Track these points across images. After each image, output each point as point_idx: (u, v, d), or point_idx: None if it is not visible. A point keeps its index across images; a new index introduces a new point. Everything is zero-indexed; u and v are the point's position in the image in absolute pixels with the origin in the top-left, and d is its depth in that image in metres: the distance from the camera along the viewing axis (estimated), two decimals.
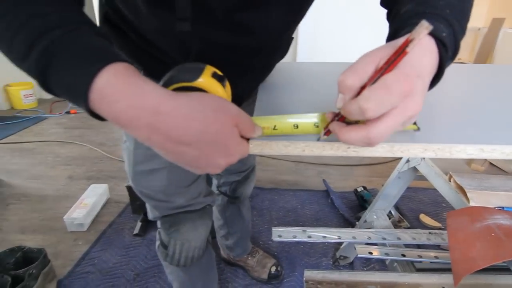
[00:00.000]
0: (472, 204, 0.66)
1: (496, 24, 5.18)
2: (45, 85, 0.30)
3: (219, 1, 0.40)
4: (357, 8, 2.17)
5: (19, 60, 0.30)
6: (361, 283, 0.77)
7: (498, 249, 0.54)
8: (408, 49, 0.26)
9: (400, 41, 0.27)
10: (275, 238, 0.93)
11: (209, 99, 0.32)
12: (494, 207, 0.65)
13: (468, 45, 6.07)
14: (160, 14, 0.42)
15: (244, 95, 0.59)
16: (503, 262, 0.57)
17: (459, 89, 0.61)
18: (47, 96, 3.45)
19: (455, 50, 0.33)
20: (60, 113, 2.89)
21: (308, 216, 1.46)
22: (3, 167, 1.87)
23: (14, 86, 3.01)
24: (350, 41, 2.22)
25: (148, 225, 1.38)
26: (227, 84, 0.37)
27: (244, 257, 1.16)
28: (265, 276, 1.12)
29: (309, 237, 0.93)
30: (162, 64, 0.49)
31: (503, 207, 0.64)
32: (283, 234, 0.93)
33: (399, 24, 0.34)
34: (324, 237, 0.93)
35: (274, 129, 0.36)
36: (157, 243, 0.73)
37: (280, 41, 0.56)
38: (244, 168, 0.91)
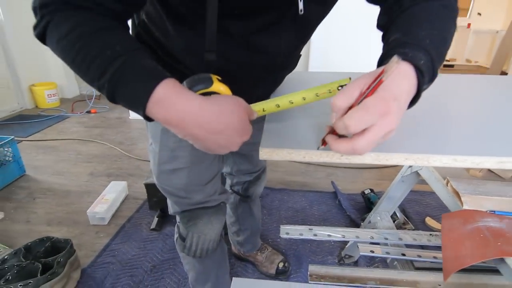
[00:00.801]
0: (465, 207, 0.71)
1: None
2: (112, 98, 0.39)
3: (237, 27, 0.47)
4: (367, 18, 2.21)
5: (93, 80, 0.39)
6: (362, 279, 0.83)
7: (485, 249, 0.59)
8: (383, 78, 0.32)
9: (378, 70, 0.33)
10: (283, 235, 1.00)
11: (226, 98, 0.43)
12: (486, 211, 0.69)
13: (485, 48, 5.98)
14: (186, 36, 0.50)
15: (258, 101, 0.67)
16: (494, 264, 0.62)
17: (440, 101, 0.66)
18: (69, 95, 3.61)
19: (433, 75, 0.39)
20: (81, 112, 3.03)
21: (316, 216, 1.52)
22: (29, 163, 1.99)
23: (38, 86, 3.17)
24: (360, 51, 2.25)
25: (164, 220, 1.47)
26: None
27: (254, 253, 1.22)
28: (273, 271, 1.19)
29: (315, 235, 0.99)
30: (186, 77, 0.56)
31: (494, 211, 0.69)
32: (290, 231, 1.00)
33: (387, 51, 0.40)
34: (329, 235, 0.99)
35: (263, 110, 0.47)
36: (176, 236, 0.81)
37: (289, 59, 0.62)
38: (255, 169, 0.98)
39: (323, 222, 1.47)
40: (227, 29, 0.47)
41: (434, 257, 0.91)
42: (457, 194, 0.75)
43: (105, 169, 1.98)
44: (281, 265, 1.20)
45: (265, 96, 0.68)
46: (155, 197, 1.52)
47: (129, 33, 0.43)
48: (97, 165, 2.03)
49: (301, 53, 0.66)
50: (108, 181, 1.78)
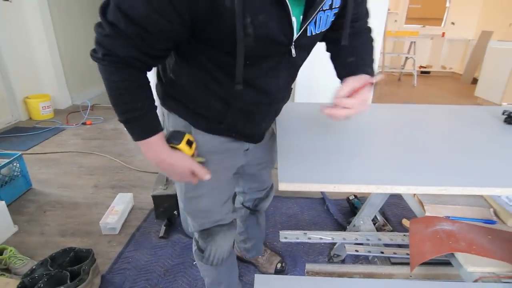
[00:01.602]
0: (427, 214, 0.90)
1: (485, 36, 5.48)
2: (124, 123, 0.66)
3: (246, 72, 0.62)
4: None
5: (118, 110, 0.65)
6: (349, 273, 1.02)
7: (440, 246, 0.78)
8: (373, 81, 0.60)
9: (364, 77, 0.66)
10: (282, 239, 1.18)
11: (178, 157, 0.70)
12: (443, 217, 0.89)
13: (459, 56, 6.35)
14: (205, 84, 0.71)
15: (264, 131, 0.86)
16: (445, 257, 0.81)
17: (402, 134, 0.85)
18: (62, 106, 3.68)
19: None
20: (76, 124, 3.12)
21: (307, 221, 1.70)
22: (33, 177, 2.09)
23: (33, 98, 3.23)
24: (336, 83, 2.48)
25: (171, 228, 1.62)
26: (194, 144, 0.74)
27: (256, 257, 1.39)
28: (272, 271, 1.36)
29: (309, 238, 1.18)
30: (204, 118, 0.75)
31: (449, 216, 0.89)
32: (288, 236, 1.18)
33: (351, 70, 0.70)
34: (321, 238, 1.18)
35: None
36: (194, 248, 0.96)
37: (285, 93, 0.81)
38: (264, 187, 1.14)
39: (313, 226, 1.66)
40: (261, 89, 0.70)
41: (407, 254, 1.10)
42: (421, 203, 0.94)
43: (108, 181, 2.10)
44: (279, 265, 1.37)
45: (269, 126, 0.87)
46: (161, 208, 1.66)
47: (151, 90, 0.67)
48: (100, 177, 2.15)
49: (292, 86, 0.85)
50: (112, 193, 1.91)
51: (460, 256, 0.75)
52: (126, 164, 2.32)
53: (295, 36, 0.61)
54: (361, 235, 1.18)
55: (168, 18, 0.53)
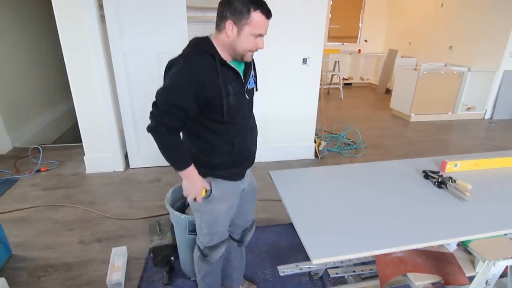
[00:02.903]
0: None
1: (392, 53, 6.52)
2: (175, 166, 1.15)
3: (232, 116, 1.14)
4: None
5: (176, 162, 1.15)
6: None
7: (397, 269, 1.19)
8: None
9: None
10: (282, 273, 1.50)
11: (201, 181, 1.20)
12: None
13: (373, 68, 7.40)
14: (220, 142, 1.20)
15: (254, 153, 1.33)
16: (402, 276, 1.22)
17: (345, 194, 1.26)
18: (2, 151, 3.45)
19: None
20: (30, 172, 3.00)
21: (285, 246, 2.05)
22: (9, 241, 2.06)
23: None
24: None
25: (172, 275, 1.82)
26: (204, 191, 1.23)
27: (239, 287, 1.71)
28: None
29: (300, 269, 1.52)
30: (220, 164, 1.23)
31: None
32: (285, 270, 1.51)
33: None
34: (309, 267, 1.54)
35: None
36: (198, 254, 1.41)
37: (253, 122, 1.32)
38: (248, 219, 1.51)
39: (292, 250, 2.02)
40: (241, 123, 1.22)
41: (370, 269, 1.52)
42: None
43: (92, 234, 2.17)
44: None
45: (255, 148, 1.33)
46: (159, 257, 1.85)
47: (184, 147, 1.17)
48: (82, 231, 2.20)
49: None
50: (102, 247, 2.02)
51: (410, 275, 1.17)
52: (103, 213, 2.39)
53: (245, 88, 1.18)
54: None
55: (192, 101, 1.06)
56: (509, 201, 1.23)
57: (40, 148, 3.21)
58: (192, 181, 1.18)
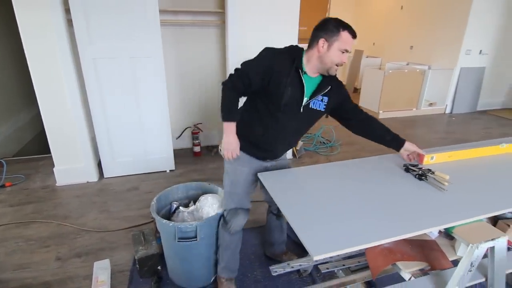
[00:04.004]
0: None
1: (358, 53, 6.76)
2: (224, 115, 1.39)
3: (279, 114, 1.40)
4: None
5: (224, 109, 1.39)
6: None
7: (387, 260, 1.24)
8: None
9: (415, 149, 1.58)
10: (274, 273, 1.51)
11: (237, 139, 1.44)
12: None
13: (341, 68, 7.61)
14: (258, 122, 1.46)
15: (280, 152, 1.58)
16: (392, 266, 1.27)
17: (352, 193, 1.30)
18: None
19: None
20: None
21: None
22: None
23: None
24: None
25: (160, 284, 1.77)
26: None
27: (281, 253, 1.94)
28: None
29: (292, 267, 1.54)
30: (248, 143, 1.49)
31: None
32: (278, 270, 1.52)
33: (398, 141, 1.59)
34: (300, 265, 1.56)
35: None
36: (221, 222, 1.60)
37: (293, 134, 1.55)
38: None
39: None
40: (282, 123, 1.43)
41: (358, 262, 1.58)
42: None
43: (70, 249, 2.06)
44: None
45: (282, 150, 1.58)
46: (146, 267, 1.79)
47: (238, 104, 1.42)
48: (59, 247, 2.08)
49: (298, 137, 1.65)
50: (81, 262, 1.93)
51: (399, 264, 1.23)
52: (80, 227, 2.28)
53: (304, 103, 1.39)
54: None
55: (257, 75, 1.33)
56: (484, 189, 1.32)
57: (3, 162, 3.00)
58: (229, 138, 1.40)
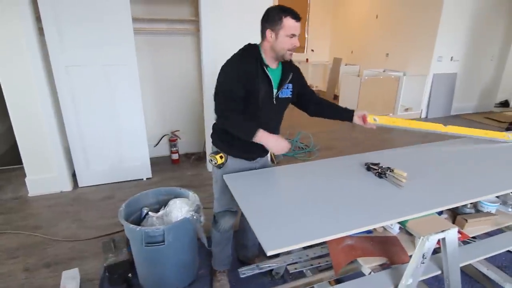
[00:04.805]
0: None
1: (337, 61, 6.92)
2: (248, 136, 1.37)
3: (258, 114, 1.46)
4: None
5: (243, 135, 1.40)
6: (297, 286, 1.43)
7: (348, 256, 1.28)
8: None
9: (362, 114, 1.67)
10: (242, 275, 1.52)
11: (277, 136, 1.41)
12: (348, 235, 1.40)
13: (321, 76, 7.79)
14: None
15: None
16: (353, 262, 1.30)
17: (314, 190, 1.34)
18: None
19: None
20: None
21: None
22: None
23: None
24: None
25: None
26: (224, 157, 1.53)
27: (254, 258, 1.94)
28: None
29: (261, 268, 1.55)
30: (236, 148, 1.51)
31: (351, 234, 1.40)
32: (246, 271, 1.53)
33: (347, 113, 1.66)
34: (269, 266, 1.57)
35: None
36: (212, 221, 1.70)
37: (275, 127, 1.60)
38: None
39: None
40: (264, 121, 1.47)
41: (327, 261, 1.60)
42: None
43: (39, 260, 2.01)
44: None
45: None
46: (116, 274, 1.76)
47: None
48: (27, 258, 2.03)
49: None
50: (50, 272, 1.89)
51: (360, 260, 1.26)
52: (51, 237, 2.23)
53: (274, 95, 1.45)
54: (294, 256, 1.63)
55: (239, 86, 1.35)
56: (438, 185, 1.38)
57: None
58: (271, 141, 1.37)
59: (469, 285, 1.81)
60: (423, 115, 5.66)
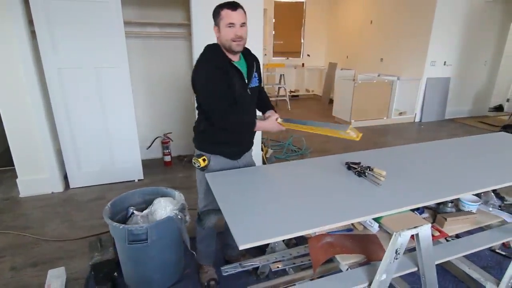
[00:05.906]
0: (317, 233, 1.42)
1: (332, 66, 6.98)
2: (251, 127, 1.51)
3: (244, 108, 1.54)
4: None
5: (244, 128, 1.54)
6: (277, 284, 1.45)
7: (327, 253, 1.29)
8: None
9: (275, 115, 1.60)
10: (225, 273, 1.53)
11: (270, 122, 1.55)
12: (325, 232, 1.42)
13: (316, 81, 7.84)
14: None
15: (248, 145, 1.72)
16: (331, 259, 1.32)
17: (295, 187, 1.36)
18: None
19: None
20: None
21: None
22: None
23: None
24: None
25: None
26: (206, 160, 1.57)
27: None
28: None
29: (243, 267, 1.57)
30: (219, 145, 1.58)
31: (329, 232, 1.42)
32: (228, 270, 1.54)
33: (267, 107, 1.67)
34: (252, 264, 1.59)
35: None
36: (196, 218, 1.72)
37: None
38: None
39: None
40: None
41: (309, 260, 1.61)
42: None
43: (26, 259, 2.02)
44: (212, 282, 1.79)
45: (250, 143, 1.72)
46: (101, 273, 1.77)
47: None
48: (14, 257, 2.04)
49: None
50: (36, 271, 1.89)
51: (338, 257, 1.28)
52: (40, 237, 2.24)
53: (247, 86, 1.51)
54: (278, 255, 1.64)
55: (225, 85, 1.42)
56: (415, 183, 1.40)
57: None
58: (266, 125, 1.53)
59: (453, 284, 1.83)
60: (417, 119, 5.69)
